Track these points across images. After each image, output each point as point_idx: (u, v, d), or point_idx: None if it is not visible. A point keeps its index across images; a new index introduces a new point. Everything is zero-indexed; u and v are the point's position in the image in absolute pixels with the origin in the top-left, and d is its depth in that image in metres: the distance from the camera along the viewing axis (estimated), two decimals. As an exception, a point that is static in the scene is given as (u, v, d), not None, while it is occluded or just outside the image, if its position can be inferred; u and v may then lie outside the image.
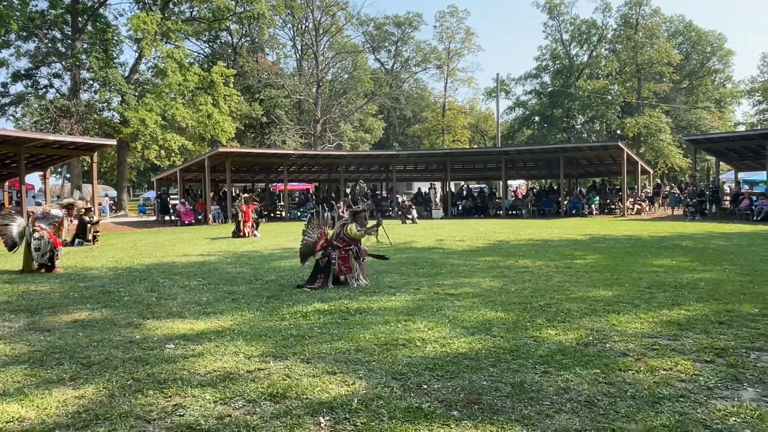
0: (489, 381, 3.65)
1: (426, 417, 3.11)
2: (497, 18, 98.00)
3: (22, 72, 33.32)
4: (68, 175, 38.06)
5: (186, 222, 24.27)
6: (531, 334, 4.79)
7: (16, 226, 9.28)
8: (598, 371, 3.80)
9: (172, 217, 25.45)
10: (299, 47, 54.09)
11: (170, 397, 3.53)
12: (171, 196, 27.66)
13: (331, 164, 31.44)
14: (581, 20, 56.47)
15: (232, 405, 3.38)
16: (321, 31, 50.06)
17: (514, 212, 28.24)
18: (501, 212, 28.30)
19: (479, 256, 10.50)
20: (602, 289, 6.80)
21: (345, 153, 33.44)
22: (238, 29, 48.70)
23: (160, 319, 5.78)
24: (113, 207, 35.03)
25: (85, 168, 36.78)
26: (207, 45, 50.28)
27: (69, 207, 10.42)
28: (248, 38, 50.39)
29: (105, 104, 34.09)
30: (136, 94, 33.53)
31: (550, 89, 57.10)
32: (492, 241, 13.58)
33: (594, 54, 57.74)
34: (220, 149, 24.80)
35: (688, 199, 22.64)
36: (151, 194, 46.26)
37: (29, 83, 33.82)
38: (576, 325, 5.06)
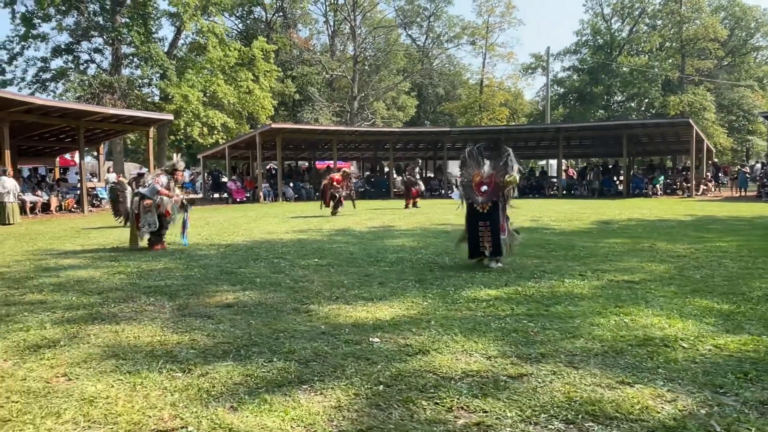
0: None
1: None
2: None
3: (63, 46, 32.75)
4: (97, 153, 36.47)
5: (237, 200, 23.76)
6: (801, 332, 4.02)
7: (129, 194, 8.66)
8: None
9: (223, 195, 24.96)
10: (332, 23, 52.91)
11: (453, 410, 2.84)
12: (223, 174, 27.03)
13: (378, 141, 30.57)
14: (624, -8, 54.40)
15: (549, 426, 2.66)
16: (357, 5, 48.89)
17: (570, 192, 27.25)
18: (555, 192, 27.36)
19: (602, 238, 9.67)
20: (802, 277, 5.98)
21: (395, 130, 32.45)
22: (271, 4, 47.73)
23: (322, 305, 5.11)
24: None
25: (130, 146, 36.41)
26: (240, 21, 49.45)
27: (173, 172, 8.79)
28: (281, 14, 49.37)
29: (147, 80, 33.46)
30: (176, 70, 32.82)
31: (590, 65, 55.31)
32: (589, 222, 12.73)
33: (635, 29, 55.68)
34: (273, 125, 24.15)
35: (765, 180, 21.49)
36: (187, 173, 45.54)
37: (70, 58, 33.24)
38: (843, 321, 4.27)
